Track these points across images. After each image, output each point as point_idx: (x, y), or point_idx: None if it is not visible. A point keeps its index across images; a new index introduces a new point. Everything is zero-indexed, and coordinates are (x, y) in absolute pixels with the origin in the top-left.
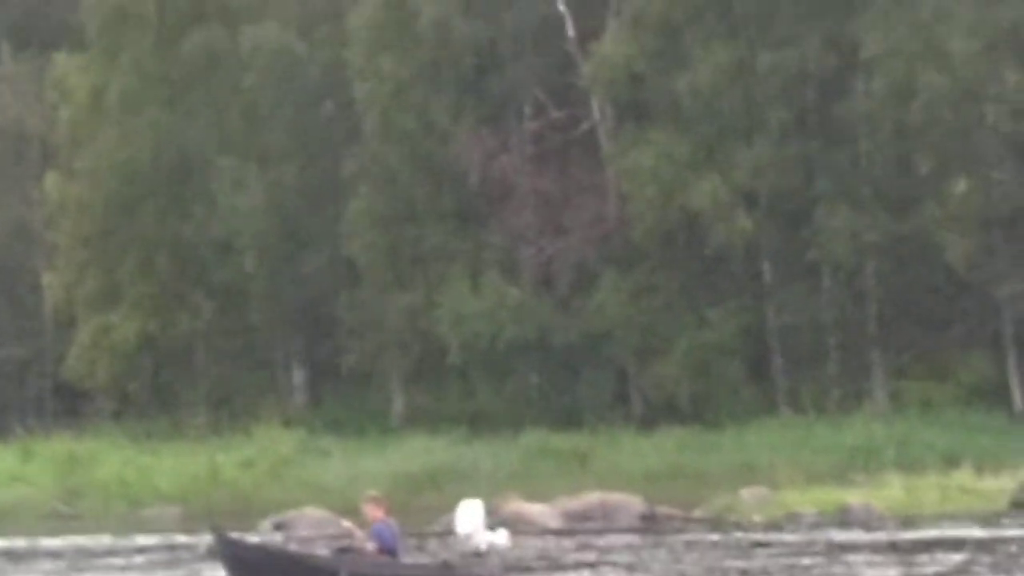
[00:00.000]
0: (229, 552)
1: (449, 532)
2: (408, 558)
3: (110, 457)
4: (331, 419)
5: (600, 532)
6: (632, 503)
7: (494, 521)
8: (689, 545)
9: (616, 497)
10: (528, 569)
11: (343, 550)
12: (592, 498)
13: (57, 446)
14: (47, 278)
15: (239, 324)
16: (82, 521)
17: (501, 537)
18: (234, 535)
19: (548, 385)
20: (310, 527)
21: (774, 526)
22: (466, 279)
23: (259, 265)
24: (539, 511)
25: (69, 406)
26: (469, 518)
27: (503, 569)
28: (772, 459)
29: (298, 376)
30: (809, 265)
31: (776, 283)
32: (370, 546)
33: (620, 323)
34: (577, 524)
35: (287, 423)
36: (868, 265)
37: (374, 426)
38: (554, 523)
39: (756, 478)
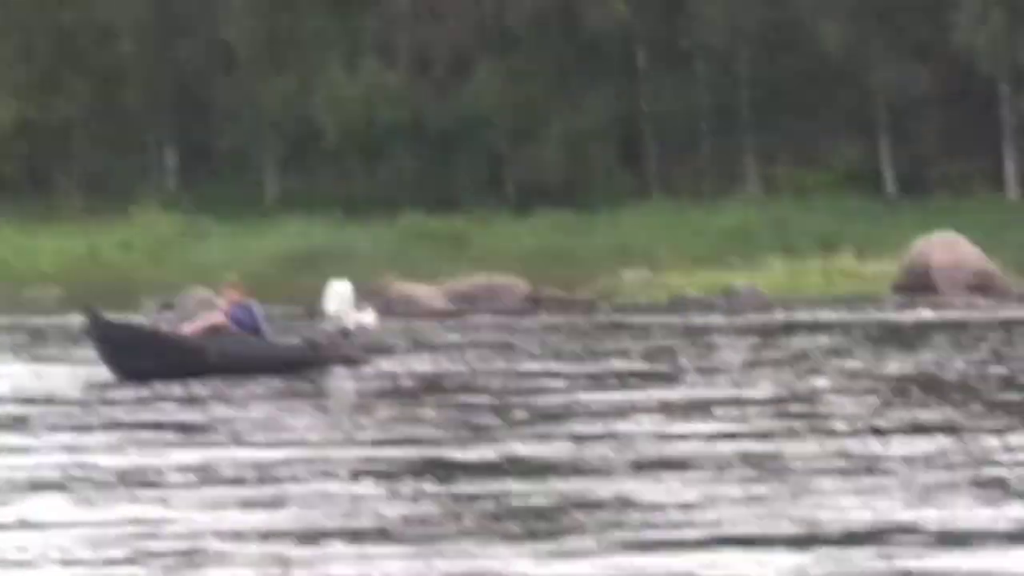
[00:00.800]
0: (101, 332)
1: (318, 313)
2: (275, 338)
3: None
4: (204, 202)
5: (484, 313)
6: (517, 285)
7: (379, 302)
8: (571, 326)
9: (501, 279)
10: (402, 351)
11: (212, 331)
12: (477, 280)
13: None
14: None
15: (115, 108)
16: None
17: (368, 317)
18: (106, 315)
19: (423, 169)
20: (196, 307)
21: (659, 308)
22: (342, 63)
23: (137, 49)
24: (425, 292)
25: None
26: (337, 298)
27: (369, 349)
28: (648, 242)
29: (171, 159)
30: (683, 52)
31: (650, 69)
32: (219, 322)
33: (495, 107)
34: (462, 305)
35: (162, 206)
36: (742, 51)
37: (248, 209)
38: (439, 304)
39: (634, 261)
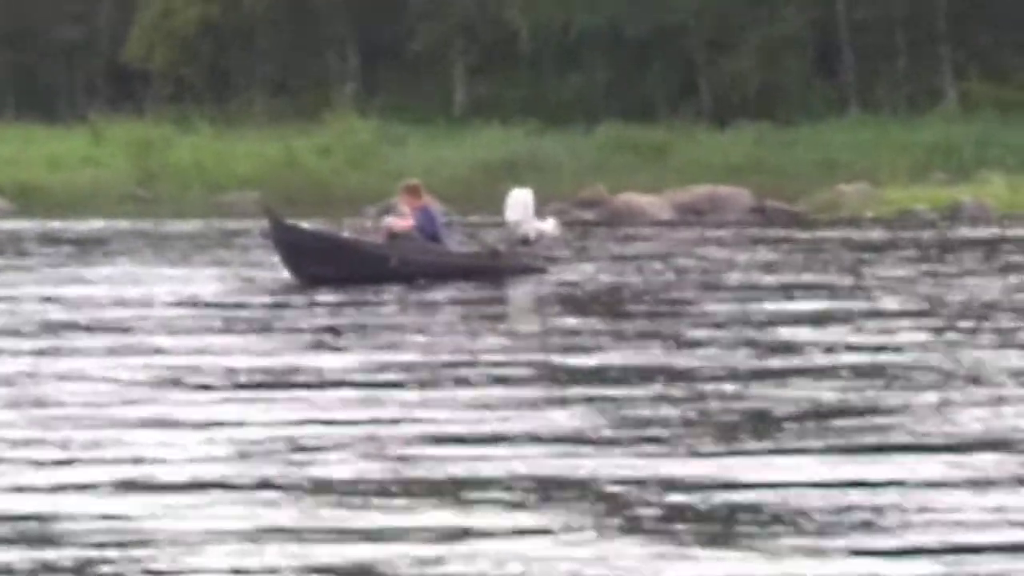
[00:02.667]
0: (283, 236)
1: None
2: (456, 244)
3: (183, 142)
4: (390, 107)
5: (711, 224)
6: (741, 196)
7: (602, 212)
8: (816, 242)
9: (725, 190)
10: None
11: (393, 237)
12: (700, 190)
13: (128, 130)
14: None
15: (300, 9)
16: (161, 204)
17: (549, 225)
18: (289, 220)
19: (618, 78)
20: None
21: (890, 223)
22: None
23: None
24: (649, 202)
25: (121, 90)
26: (518, 206)
27: (548, 258)
28: (853, 156)
29: (354, 63)
30: None
31: None
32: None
33: (691, 15)
34: (687, 216)
35: (344, 109)
36: None
37: (436, 115)
38: (665, 215)
39: (841, 175)
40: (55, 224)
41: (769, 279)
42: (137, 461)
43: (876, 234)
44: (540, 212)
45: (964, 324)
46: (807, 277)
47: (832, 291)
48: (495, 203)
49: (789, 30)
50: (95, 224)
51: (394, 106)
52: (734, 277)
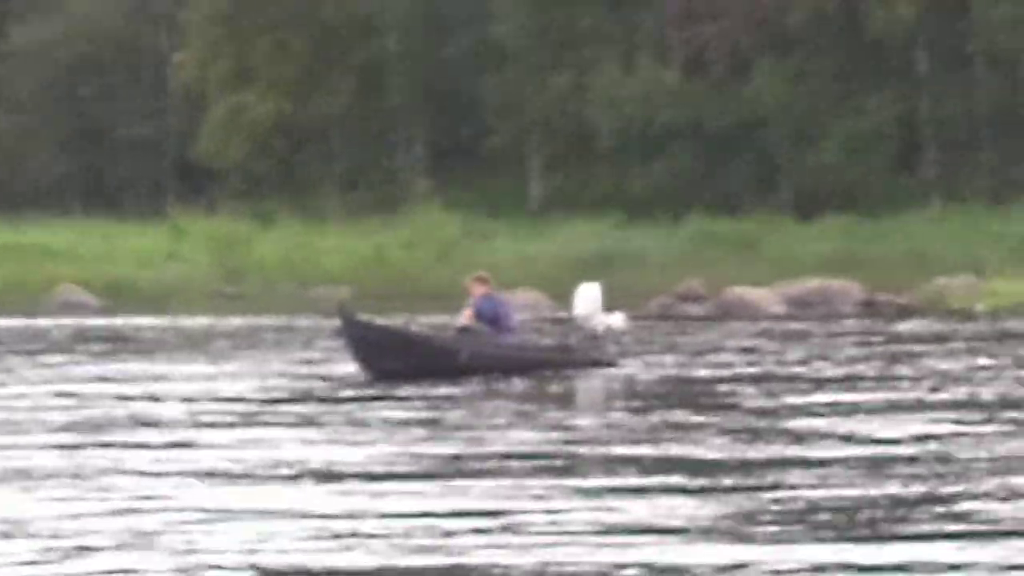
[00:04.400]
0: (353, 331)
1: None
2: (521, 335)
3: (265, 238)
4: (461, 203)
5: (823, 318)
6: (851, 289)
7: (715, 306)
8: (939, 336)
9: (836, 283)
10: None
11: (463, 331)
12: (811, 283)
13: (208, 226)
14: (178, 56)
15: (374, 106)
16: (248, 301)
17: (618, 320)
18: (360, 316)
19: (700, 171)
20: (521, 309)
21: (1005, 315)
22: (618, 62)
23: (401, 47)
24: (761, 296)
25: (189, 187)
26: (586, 301)
27: (619, 352)
28: (944, 248)
29: (424, 159)
30: (965, 54)
31: (931, 72)
32: (470, 321)
33: (774, 109)
34: (797, 309)
35: (418, 205)
36: None
37: (509, 210)
38: (776, 308)
39: (928, 266)
40: (143, 321)
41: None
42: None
43: (998, 327)
44: (634, 308)
45: None
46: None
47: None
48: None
49: (873, 125)
50: (190, 321)
51: (467, 202)
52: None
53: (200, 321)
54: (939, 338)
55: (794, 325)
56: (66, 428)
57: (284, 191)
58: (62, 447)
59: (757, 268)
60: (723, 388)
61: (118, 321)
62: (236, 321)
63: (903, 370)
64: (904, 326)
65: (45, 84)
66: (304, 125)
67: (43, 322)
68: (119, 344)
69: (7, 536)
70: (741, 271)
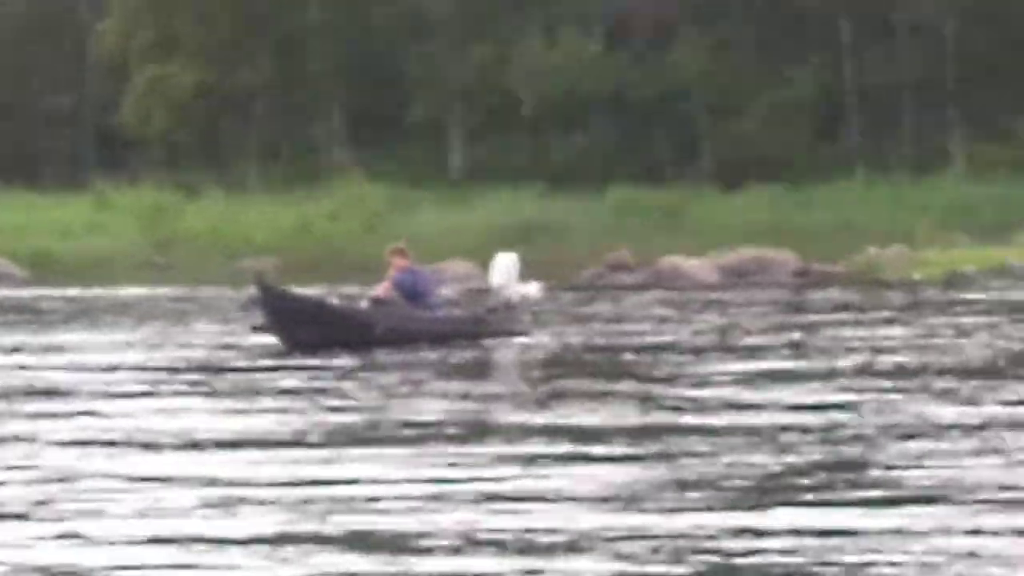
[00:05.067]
0: (271, 302)
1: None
2: (442, 306)
3: (191, 209)
4: (381, 173)
5: (758, 287)
6: (787, 259)
7: (648, 274)
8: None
9: (771, 253)
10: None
11: (379, 303)
12: (746, 253)
13: (133, 197)
14: (100, 26)
15: (298, 77)
16: (178, 272)
17: (533, 289)
18: (276, 286)
19: (622, 141)
20: (451, 280)
21: (943, 284)
22: (540, 33)
23: (324, 16)
24: (695, 265)
25: (109, 157)
26: (502, 270)
27: (535, 322)
28: (866, 218)
29: (342, 129)
30: (888, 24)
31: (855, 42)
32: (386, 293)
33: (696, 79)
34: (733, 279)
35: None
36: (949, 24)
37: (429, 180)
38: (710, 277)
39: (856, 236)
40: (75, 292)
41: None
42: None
43: (949, 295)
44: (564, 278)
45: None
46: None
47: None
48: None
49: (796, 95)
50: (121, 291)
51: (387, 172)
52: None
53: (131, 291)
54: (875, 307)
55: (725, 295)
56: None
57: (205, 162)
58: None
59: (682, 238)
60: (634, 357)
61: (47, 291)
62: (166, 291)
63: (822, 340)
64: (838, 295)
65: None
66: (225, 95)
67: None
68: (46, 315)
69: None
70: (666, 241)
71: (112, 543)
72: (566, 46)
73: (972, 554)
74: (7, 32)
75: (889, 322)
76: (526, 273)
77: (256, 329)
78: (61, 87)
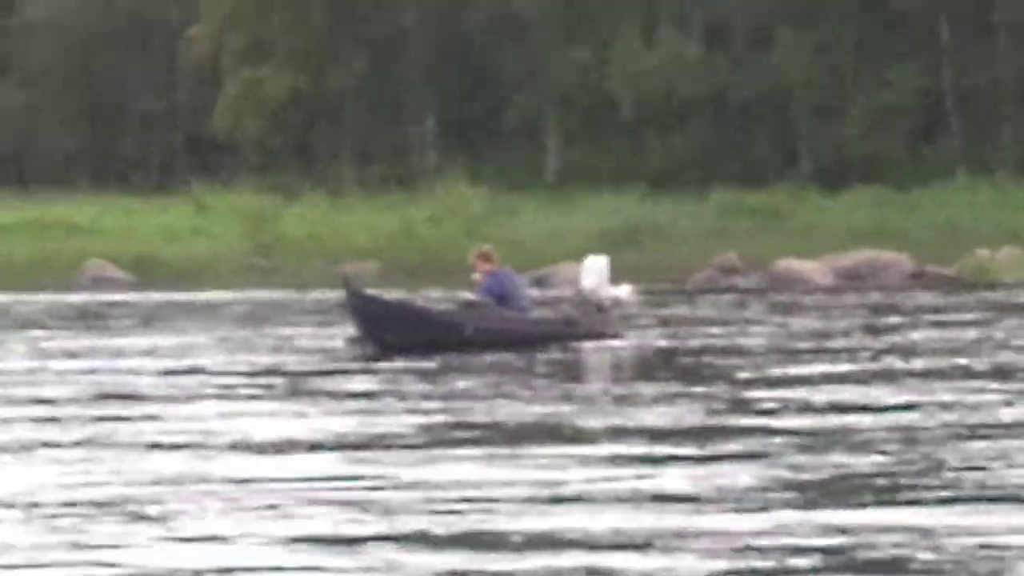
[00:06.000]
0: (358, 305)
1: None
2: (531, 308)
3: (291, 212)
4: (478, 176)
5: (872, 289)
6: (901, 261)
7: (763, 278)
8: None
9: (885, 255)
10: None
11: (469, 305)
12: (860, 255)
13: (233, 201)
14: (191, 31)
15: (392, 80)
16: (280, 275)
17: (624, 292)
18: (366, 290)
19: (721, 143)
20: (565, 283)
21: None
22: (639, 35)
23: (419, 18)
24: (810, 268)
25: (199, 162)
26: (593, 273)
27: (625, 324)
28: (971, 220)
29: (435, 131)
30: (989, 25)
31: (954, 43)
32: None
33: (797, 81)
34: (846, 281)
35: (433, 178)
36: None
37: (526, 184)
38: (825, 280)
39: (962, 238)
40: (182, 296)
41: None
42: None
43: None
44: (675, 281)
45: None
46: None
47: None
48: (622, 272)
49: (896, 96)
50: (226, 295)
51: (483, 176)
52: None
53: (236, 295)
54: (990, 308)
55: (845, 298)
56: (83, 400)
57: (298, 166)
58: (94, 418)
59: (787, 241)
60: (732, 360)
61: (156, 296)
62: (270, 295)
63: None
64: (955, 299)
65: (56, 58)
66: (319, 99)
67: (78, 297)
68: (156, 318)
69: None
70: (771, 244)
71: (233, 543)
72: (665, 48)
73: None
74: (98, 37)
75: (999, 324)
76: (624, 277)
77: (351, 341)
78: (151, 92)
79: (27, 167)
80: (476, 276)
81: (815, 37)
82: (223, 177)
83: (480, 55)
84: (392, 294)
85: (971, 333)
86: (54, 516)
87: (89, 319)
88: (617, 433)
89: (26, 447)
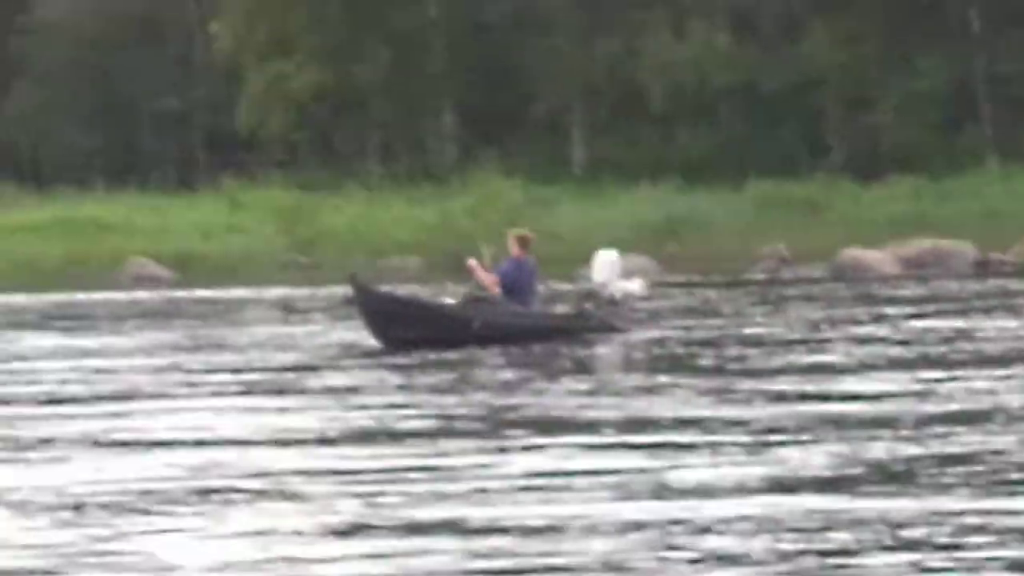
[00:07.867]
0: (365, 301)
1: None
2: (539, 302)
3: (327, 207)
4: (505, 168)
5: (941, 278)
6: (965, 249)
7: (828, 267)
8: None
9: (948, 243)
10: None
11: (476, 300)
12: (924, 244)
13: (266, 197)
14: (213, 27)
15: (416, 74)
16: (323, 271)
17: (636, 286)
18: (371, 285)
19: (752, 133)
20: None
21: None
22: (668, 26)
23: (441, 12)
24: (875, 257)
25: (219, 159)
26: (604, 267)
27: (635, 319)
28: (1011, 206)
29: (456, 124)
30: (1019, 13)
31: (985, 30)
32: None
33: (828, 70)
34: (913, 271)
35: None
36: None
37: (552, 176)
38: (891, 269)
39: (1004, 226)
40: (227, 293)
41: None
42: None
43: None
44: (733, 272)
45: None
46: None
47: None
48: (665, 264)
49: (928, 85)
50: (272, 291)
51: (509, 168)
52: None
53: (281, 291)
54: None
55: (917, 289)
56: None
57: (322, 161)
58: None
59: (827, 231)
60: (755, 351)
61: (199, 292)
62: (315, 291)
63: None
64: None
65: (71, 58)
66: (343, 94)
67: (123, 295)
68: (205, 315)
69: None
70: (814, 235)
71: (290, 535)
72: (695, 38)
73: None
74: (113, 36)
75: None
76: (669, 269)
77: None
78: (167, 90)
79: (44, 166)
80: (484, 256)
81: (845, 26)
82: (252, 173)
83: (503, 47)
84: (428, 292)
85: None
86: (105, 507)
87: (170, 316)
88: (644, 424)
89: (93, 439)
